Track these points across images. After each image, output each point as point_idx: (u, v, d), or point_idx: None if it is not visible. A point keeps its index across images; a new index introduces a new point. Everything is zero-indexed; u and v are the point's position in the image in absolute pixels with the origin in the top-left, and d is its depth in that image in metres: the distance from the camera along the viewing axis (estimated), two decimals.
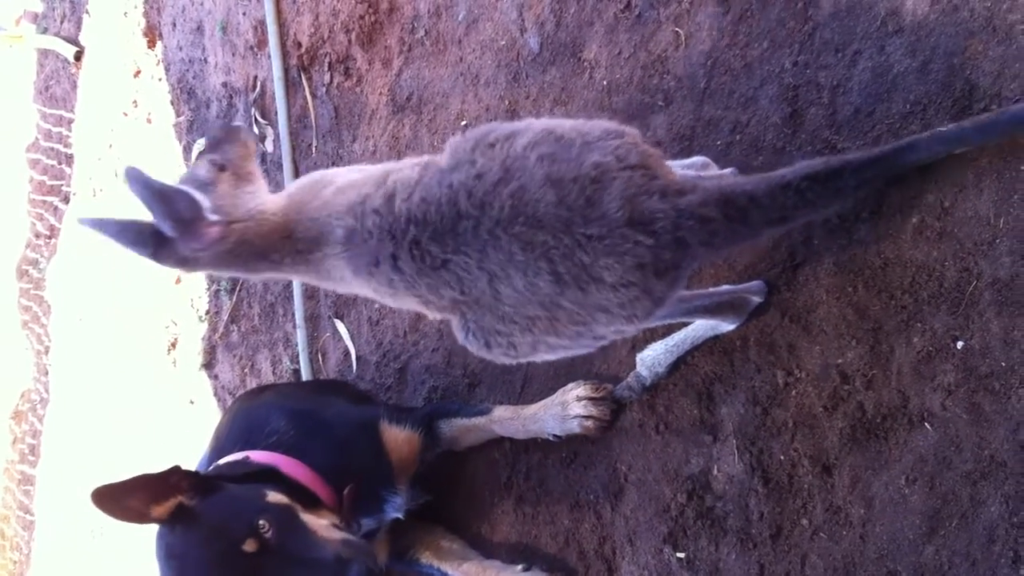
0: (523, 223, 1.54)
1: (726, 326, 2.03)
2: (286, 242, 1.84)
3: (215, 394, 4.13)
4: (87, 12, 5.49)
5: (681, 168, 2.06)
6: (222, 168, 1.92)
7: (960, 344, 1.70)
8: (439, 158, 1.74)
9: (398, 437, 2.58)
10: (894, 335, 1.79)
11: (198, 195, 1.83)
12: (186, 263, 1.89)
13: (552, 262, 1.54)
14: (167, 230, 1.80)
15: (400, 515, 2.54)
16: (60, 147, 5.84)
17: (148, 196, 1.77)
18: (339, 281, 1.86)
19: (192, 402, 4.29)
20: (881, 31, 1.84)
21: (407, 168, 1.76)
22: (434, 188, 1.64)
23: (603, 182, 1.54)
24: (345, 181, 1.86)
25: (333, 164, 3.34)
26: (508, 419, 2.52)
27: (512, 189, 1.55)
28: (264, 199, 1.91)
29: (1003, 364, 1.63)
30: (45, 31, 5.94)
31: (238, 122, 2.10)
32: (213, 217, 1.83)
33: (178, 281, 4.45)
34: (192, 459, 2.75)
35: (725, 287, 2.01)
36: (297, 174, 3.51)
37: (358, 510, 2.42)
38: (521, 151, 1.60)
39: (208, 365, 4.20)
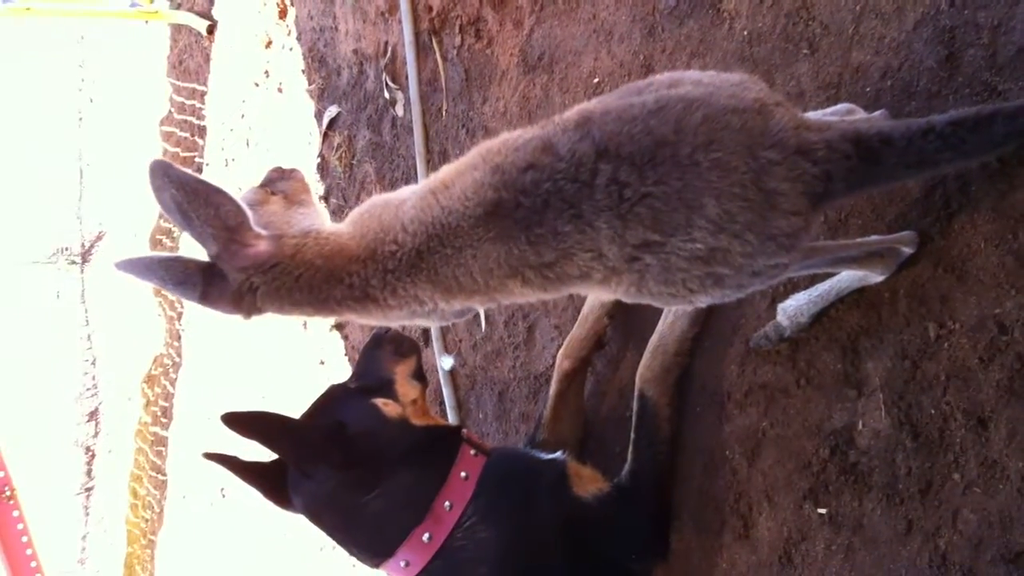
0: (717, 148, 1.49)
1: (874, 277, 1.96)
2: (366, 265, 1.63)
3: (345, 354, 4.21)
4: None
5: (822, 115, 2.02)
6: (273, 193, 1.75)
7: None
8: (554, 119, 1.62)
9: None
10: None
11: (243, 204, 1.59)
12: (242, 301, 1.63)
13: (745, 187, 1.49)
14: (208, 245, 1.58)
15: None
16: (193, 119, 6.03)
17: (181, 196, 1.55)
18: (470, 279, 1.61)
19: (323, 363, 4.38)
20: None
21: (531, 131, 1.62)
22: (621, 120, 1.52)
23: (765, 114, 1.53)
24: (424, 187, 1.66)
25: (463, 127, 3.37)
26: None
27: (700, 116, 1.50)
28: (322, 223, 1.73)
29: None
30: (179, 6, 6.13)
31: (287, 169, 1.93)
32: (261, 231, 1.62)
33: None
34: None
35: (874, 237, 1.94)
36: (427, 138, 3.56)
37: None
38: (691, 87, 1.57)
39: (339, 326, 4.27)
